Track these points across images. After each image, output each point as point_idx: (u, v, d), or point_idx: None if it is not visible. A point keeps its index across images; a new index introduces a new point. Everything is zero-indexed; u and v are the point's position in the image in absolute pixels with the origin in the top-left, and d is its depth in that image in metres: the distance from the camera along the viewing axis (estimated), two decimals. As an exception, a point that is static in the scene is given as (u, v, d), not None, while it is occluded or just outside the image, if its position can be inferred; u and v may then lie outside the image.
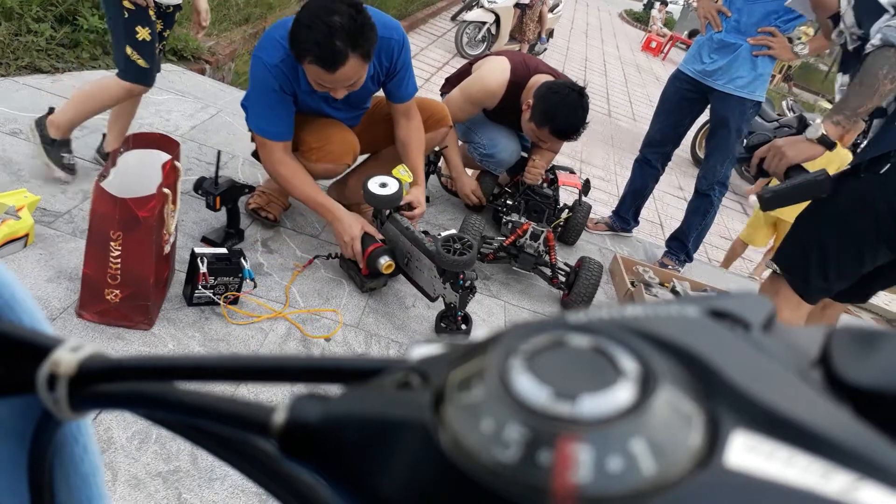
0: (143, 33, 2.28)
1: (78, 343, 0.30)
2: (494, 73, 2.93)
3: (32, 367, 0.30)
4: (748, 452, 0.17)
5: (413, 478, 0.19)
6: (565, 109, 2.73)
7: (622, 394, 0.18)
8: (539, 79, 2.89)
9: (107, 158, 2.47)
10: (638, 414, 0.17)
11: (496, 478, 0.17)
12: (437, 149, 3.10)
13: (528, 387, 0.18)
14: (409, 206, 2.41)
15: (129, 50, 2.28)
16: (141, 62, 2.32)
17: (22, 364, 0.31)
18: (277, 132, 2.28)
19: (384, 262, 2.24)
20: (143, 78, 2.36)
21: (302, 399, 0.23)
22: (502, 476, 0.17)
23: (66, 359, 0.30)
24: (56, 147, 2.36)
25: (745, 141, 2.01)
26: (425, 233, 2.31)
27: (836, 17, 2.00)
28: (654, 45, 13.64)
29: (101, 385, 0.29)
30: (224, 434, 0.28)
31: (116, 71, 2.37)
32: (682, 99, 3.29)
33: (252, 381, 0.28)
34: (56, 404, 0.30)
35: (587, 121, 2.82)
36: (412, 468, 0.19)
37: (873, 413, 0.19)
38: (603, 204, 4.91)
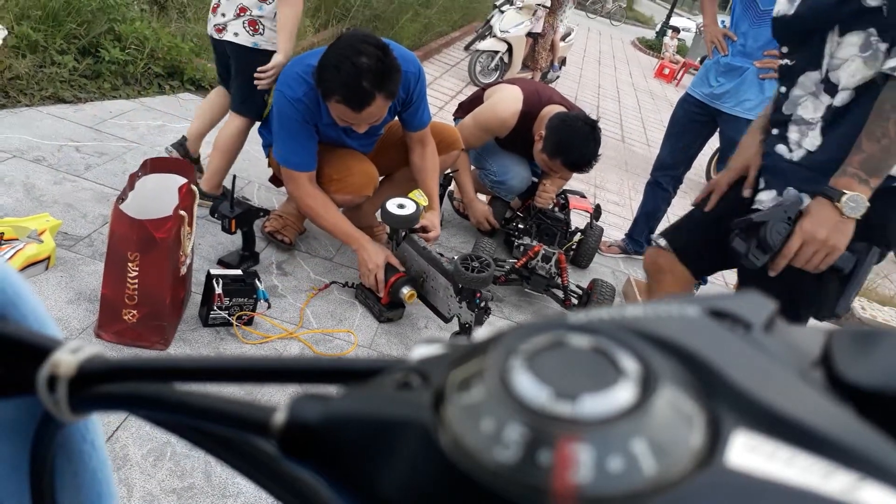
0: None
1: (78, 344, 0.30)
2: (507, 102, 2.96)
3: (33, 368, 0.30)
4: (749, 452, 0.17)
5: (413, 478, 0.19)
6: (578, 142, 2.75)
7: (623, 394, 0.18)
8: (551, 109, 2.92)
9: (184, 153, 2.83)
10: (639, 414, 0.17)
11: (496, 478, 0.17)
12: (448, 173, 3.14)
13: (529, 387, 0.18)
14: (424, 230, 2.45)
15: (267, 97, 2.62)
16: (269, 101, 2.59)
17: (22, 365, 0.31)
18: (304, 163, 2.33)
19: (407, 291, 2.27)
20: (262, 113, 2.69)
21: (302, 399, 0.23)
22: (502, 476, 0.17)
23: (66, 360, 0.30)
24: (218, 201, 2.45)
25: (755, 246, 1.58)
26: (440, 255, 2.34)
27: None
28: (666, 71, 13.66)
29: (101, 386, 0.29)
30: (224, 435, 0.28)
31: (232, 109, 2.66)
32: (691, 122, 3.31)
33: (252, 382, 0.28)
34: (56, 405, 0.30)
35: (599, 153, 2.84)
36: (412, 468, 0.19)
37: (874, 413, 0.19)
38: (617, 228, 4.92)
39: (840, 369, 0.21)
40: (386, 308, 2.36)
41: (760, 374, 0.19)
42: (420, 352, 0.24)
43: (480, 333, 0.22)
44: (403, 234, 2.43)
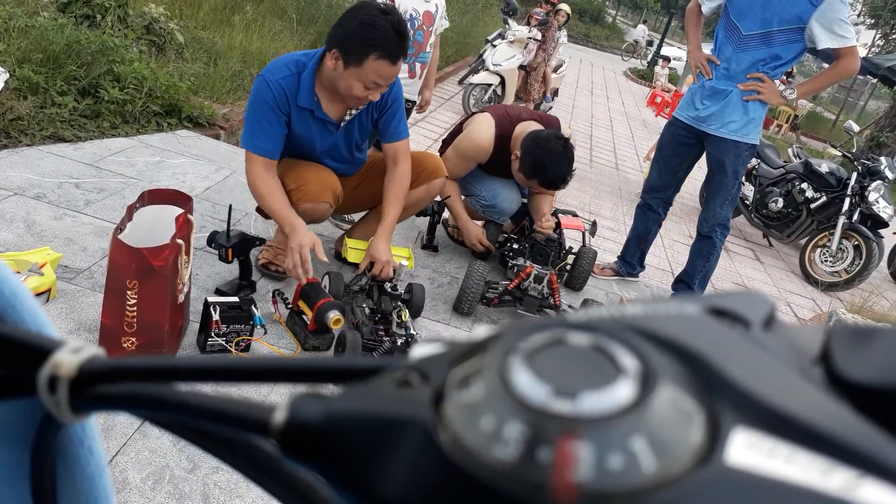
0: None
1: (78, 345, 0.30)
2: (480, 128, 3.06)
3: (33, 369, 0.30)
4: (749, 450, 0.17)
5: (413, 476, 0.19)
6: (551, 162, 2.84)
7: (622, 391, 0.18)
8: (524, 127, 3.01)
9: (333, 214, 2.96)
10: (638, 411, 0.17)
11: (496, 476, 0.17)
12: (439, 199, 3.20)
13: (528, 385, 0.18)
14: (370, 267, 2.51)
15: None
16: None
17: (23, 366, 0.31)
18: (263, 148, 2.38)
19: (333, 315, 2.15)
20: None
21: (302, 398, 0.23)
22: (502, 474, 0.17)
23: (66, 360, 0.29)
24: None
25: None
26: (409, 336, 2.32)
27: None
28: (658, 100, 13.76)
29: (101, 386, 0.29)
30: (224, 434, 0.28)
31: None
32: (678, 145, 3.38)
33: (252, 381, 0.28)
34: (57, 406, 0.29)
35: (574, 169, 2.92)
36: (412, 466, 0.19)
37: (874, 410, 0.19)
38: (611, 253, 4.96)
39: (839, 366, 0.21)
40: (312, 335, 2.27)
41: (760, 372, 0.19)
42: (420, 351, 0.24)
43: (480, 332, 0.23)
44: (365, 279, 2.51)
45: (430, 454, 0.19)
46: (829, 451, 0.17)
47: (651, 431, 0.17)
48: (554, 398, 0.18)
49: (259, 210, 2.70)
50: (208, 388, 0.29)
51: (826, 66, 3.20)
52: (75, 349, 0.30)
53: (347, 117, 2.48)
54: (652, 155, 10.59)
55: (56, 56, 3.71)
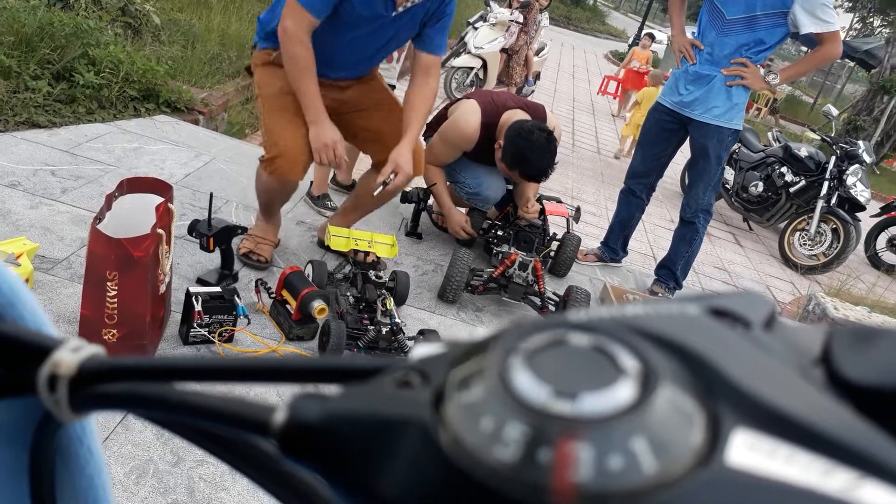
0: None
1: (79, 343, 0.30)
2: (466, 116, 3.03)
3: (33, 367, 0.30)
4: (749, 450, 0.17)
5: (413, 476, 0.19)
6: (533, 155, 2.82)
7: (623, 392, 0.18)
8: (510, 116, 2.99)
9: (315, 201, 3.31)
10: (638, 412, 0.17)
11: (496, 476, 0.17)
12: (425, 186, 3.18)
13: (528, 385, 0.18)
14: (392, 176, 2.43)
15: None
16: None
17: (22, 365, 0.30)
18: (313, 4, 2.23)
19: (317, 305, 2.14)
20: None
21: (302, 398, 0.23)
22: (502, 475, 0.17)
23: (66, 359, 0.29)
24: (321, 199, 3.31)
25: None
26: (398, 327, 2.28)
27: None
28: (613, 84, 11.71)
29: (101, 386, 0.29)
30: (224, 434, 0.28)
31: None
32: (662, 130, 3.38)
33: (252, 381, 0.28)
34: (57, 405, 0.30)
35: (556, 162, 2.91)
36: (412, 467, 0.19)
37: (875, 411, 0.19)
38: (594, 238, 4.97)
39: (840, 367, 0.21)
40: (296, 324, 2.24)
41: (760, 373, 0.19)
42: (420, 351, 0.23)
43: (480, 332, 0.23)
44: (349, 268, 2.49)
45: (431, 455, 0.19)
46: (829, 451, 0.17)
47: (651, 432, 0.17)
48: (554, 399, 0.18)
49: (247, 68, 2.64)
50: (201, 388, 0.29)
51: (807, 50, 3.21)
52: (75, 348, 0.30)
53: (408, 4, 2.33)
54: (623, 112, 10.47)
55: (28, 39, 3.61)
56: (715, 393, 0.19)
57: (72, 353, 0.30)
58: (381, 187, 2.43)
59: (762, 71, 3.18)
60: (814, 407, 0.18)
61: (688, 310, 0.22)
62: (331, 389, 0.24)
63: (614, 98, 11.72)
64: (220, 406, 0.26)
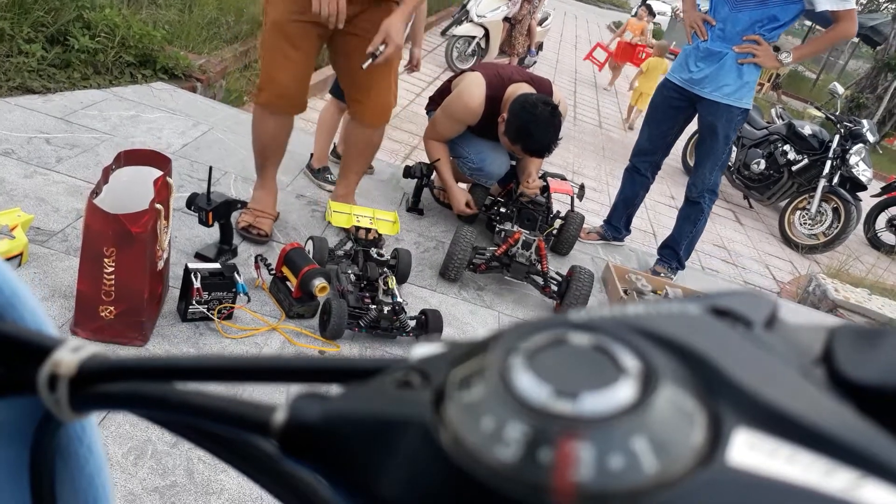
0: None
1: (79, 343, 0.30)
2: (471, 89, 2.97)
3: (33, 367, 0.30)
4: (750, 450, 0.17)
5: (413, 477, 0.19)
6: (537, 130, 2.77)
7: (623, 392, 0.18)
8: (516, 89, 2.93)
9: (316, 174, 3.26)
10: (639, 412, 0.17)
11: (497, 476, 0.17)
12: (430, 163, 3.13)
13: (529, 385, 0.18)
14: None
15: None
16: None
17: (23, 364, 0.30)
18: None
19: (318, 283, 2.10)
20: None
21: (302, 398, 0.23)
22: (503, 474, 0.17)
23: (66, 359, 0.29)
24: (322, 173, 3.25)
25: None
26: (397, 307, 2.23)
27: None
28: (602, 55, 11.13)
29: (101, 385, 0.29)
30: (224, 434, 0.28)
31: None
32: (669, 107, 3.32)
33: (253, 381, 0.28)
34: (57, 405, 0.30)
35: (560, 138, 2.86)
36: (413, 467, 0.19)
37: (876, 410, 0.19)
38: (595, 214, 4.93)
39: (841, 367, 0.21)
40: (296, 302, 2.20)
41: (761, 372, 0.19)
42: (420, 351, 0.23)
43: (481, 332, 0.22)
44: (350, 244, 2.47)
45: (431, 455, 0.19)
46: (831, 451, 0.17)
47: (652, 432, 0.17)
48: (555, 398, 0.18)
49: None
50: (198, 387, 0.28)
51: (811, 26, 3.15)
52: (75, 347, 0.30)
53: None
54: (611, 86, 10.36)
55: (21, 1, 3.51)
56: (716, 392, 0.19)
57: (72, 353, 0.30)
58: (369, 60, 2.35)
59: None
60: (815, 406, 0.18)
61: (689, 309, 0.22)
62: (332, 389, 0.24)
63: (599, 69, 11.32)
64: (220, 406, 0.26)
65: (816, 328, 0.23)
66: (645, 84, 8.52)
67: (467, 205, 3.19)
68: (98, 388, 0.29)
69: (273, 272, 2.29)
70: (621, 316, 0.21)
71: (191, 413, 0.27)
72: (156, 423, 0.30)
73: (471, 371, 0.20)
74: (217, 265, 2.08)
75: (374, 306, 2.21)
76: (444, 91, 3.17)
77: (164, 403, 0.27)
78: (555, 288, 2.78)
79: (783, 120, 7.10)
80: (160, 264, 1.92)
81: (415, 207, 3.26)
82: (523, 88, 2.91)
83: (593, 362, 0.19)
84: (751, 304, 0.23)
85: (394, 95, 2.68)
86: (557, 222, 3.26)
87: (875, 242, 7.33)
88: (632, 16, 13.01)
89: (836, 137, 6.32)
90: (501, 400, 0.18)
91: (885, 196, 7.36)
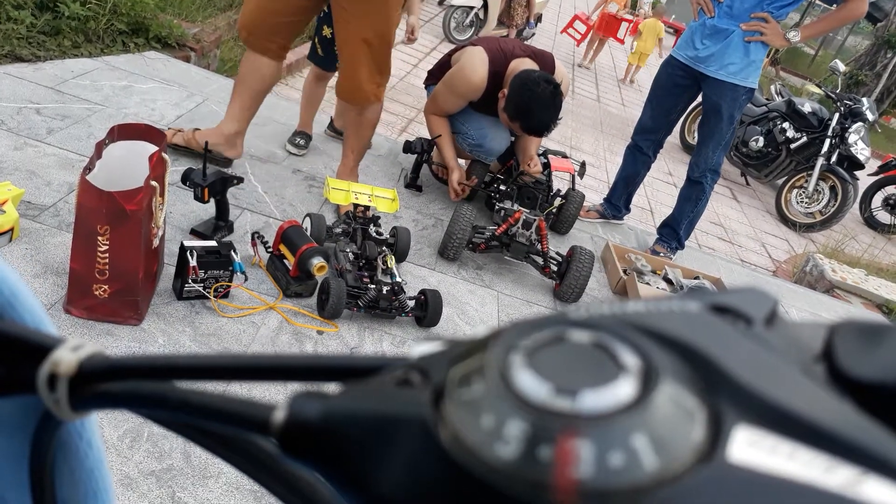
0: (326, 31, 2.96)
1: (78, 342, 0.30)
2: (474, 64, 2.91)
3: (33, 366, 0.30)
4: (751, 447, 0.17)
5: (413, 475, 0.19)
6: (537, 108, 2.73)
7: (623, 389, 0.18)
8: (518, 64, 2.88)
9: (291, 136, 3.22)
10: (639, 409, 0.17)
11: (497, 474, 0.17)
12: (431, 139, 3.08)
13: (529, 382, 0.18)
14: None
15: (316, 40, 3.07)
16: (319, 51, 3.06)
17: (22, 364, 0.31)
18: None
19: (316, 262, 2.06)
20: (323, 63, 3.08)
21: (302, 397, 0.23)
22: (503, 472, 0.17)
23: (66, 358, 0.29)
24: (295, 136, 3.19)
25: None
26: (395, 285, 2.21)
27: None
28: (581, 28, 10.33)
29: (101, 384, 0.29)
30: (224, 433, 0.28)
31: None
32: (674, 85, 3.27)
33: (252, 380, 0.28)
34: (56, 404, 0.30)
35: (560, 117, 2.82)
36: (412, 465, 0.19)
37: (877, 407, 0.19)
38: (593, 191, 4.89)
39: (842, 363, 0.21)
40: (294, 281, 2.16)
41: (762, 369, 0.19)
42: (420, 349, 0.23)
43: (480, 330, 0.22)
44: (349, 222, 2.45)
45: (431, 453, 0.19)
46: (831, 448, 0.17)
47: (652, 429, 0.17)
48: (555, 396, 0.18)
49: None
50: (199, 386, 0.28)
51: (810, 3, 3.10)
52: (75, 347, 0.30)
53: None
54: (588, 62, 10.29)
55: (9, -35, 3.40)
56: (716, 390, 0.19)
57: (71, 353, 0.30)
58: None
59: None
60: (816, 403, 0.18)
61: (689, 306, 0.22)
62: (331, 388, 0.24)
63: (577, 44, 10.54)
64: (220, 405, 0.26)
65: (816, 325, 0.23)
66: (642, 44, 9.22)
67: (460, 185, 3.13)
68: (98, 387, 0.29)
69: (270, 250, 2.25)
70: (621, 313, 0.21)
71: (190, 412, 0.27)
72: (156, 421, 0.30)
73: (470, 369, 0.20)
74: (213, 242, 2.04)
75: (372, 286, 2.18)
76: (444, 65, 3.11)
77: (164, 402, 0.27)
78: (555, 268, 2.75)
79: (783, 97, 7.04)
80: (155, 242, 1.88)
81: (413, 184, 3.21)
82: (526, 64, 2.86)
83: (593, 360, 0.19)
84: (751, 302, 0.23)
85: (375, 81, 2.62)
86: (558, 201, 3.21)
87: (871, 222, 7.33)
88: None
89: (836, 115, 6.28)
90: (501, 398, 0.18)
91: (881, 175, 7.34)
